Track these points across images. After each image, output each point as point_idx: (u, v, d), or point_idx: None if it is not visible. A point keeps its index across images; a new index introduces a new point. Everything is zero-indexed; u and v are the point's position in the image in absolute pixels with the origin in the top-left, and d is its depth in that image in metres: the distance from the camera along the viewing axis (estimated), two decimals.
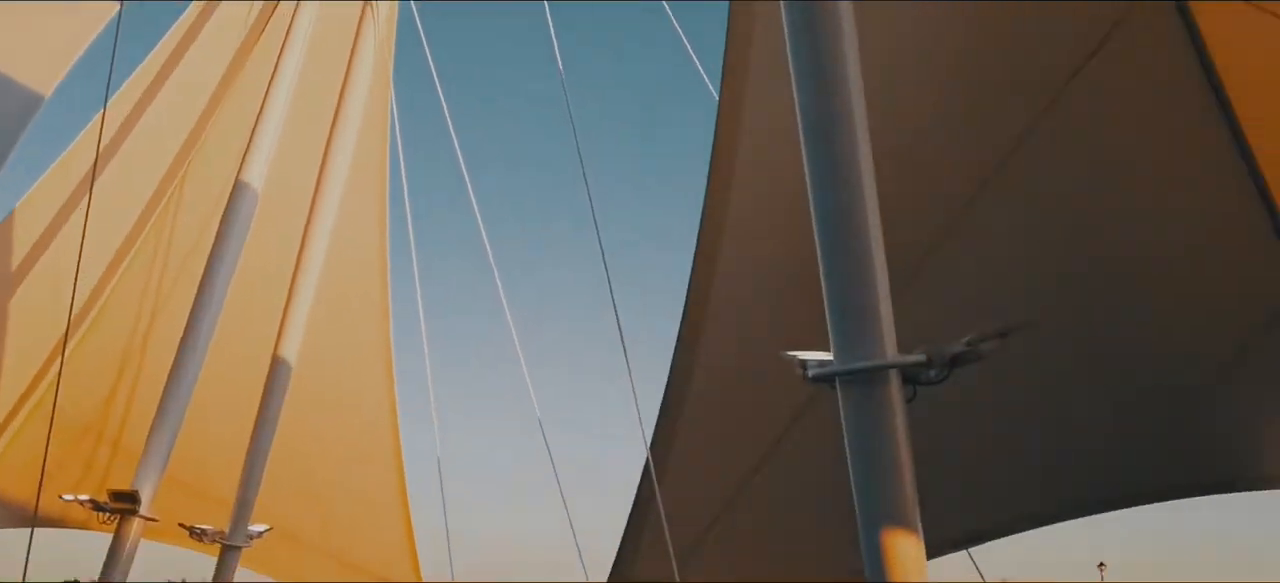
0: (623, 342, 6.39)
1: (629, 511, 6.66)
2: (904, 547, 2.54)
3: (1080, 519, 8.71)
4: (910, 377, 2.69)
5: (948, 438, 6.18)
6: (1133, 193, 5.50)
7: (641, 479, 6.45)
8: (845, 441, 2.64)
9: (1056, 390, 6.66)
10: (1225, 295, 6.20)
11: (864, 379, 2.65)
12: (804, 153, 2.70)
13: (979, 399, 6.08)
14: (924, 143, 4.84)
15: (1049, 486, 7.95)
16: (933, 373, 2.70)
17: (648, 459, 6.11)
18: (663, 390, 6.10)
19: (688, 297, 5.70)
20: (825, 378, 2.69)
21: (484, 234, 12.22)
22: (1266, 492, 8.85)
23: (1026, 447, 7.25)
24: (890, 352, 2.64)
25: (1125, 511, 8.61)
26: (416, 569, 17.96)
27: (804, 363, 2.80)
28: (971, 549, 8.69)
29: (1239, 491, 8.81)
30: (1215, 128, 5.07)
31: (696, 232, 5.40)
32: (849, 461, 2.62)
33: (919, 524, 2.56)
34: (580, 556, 9.52)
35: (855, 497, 2.59)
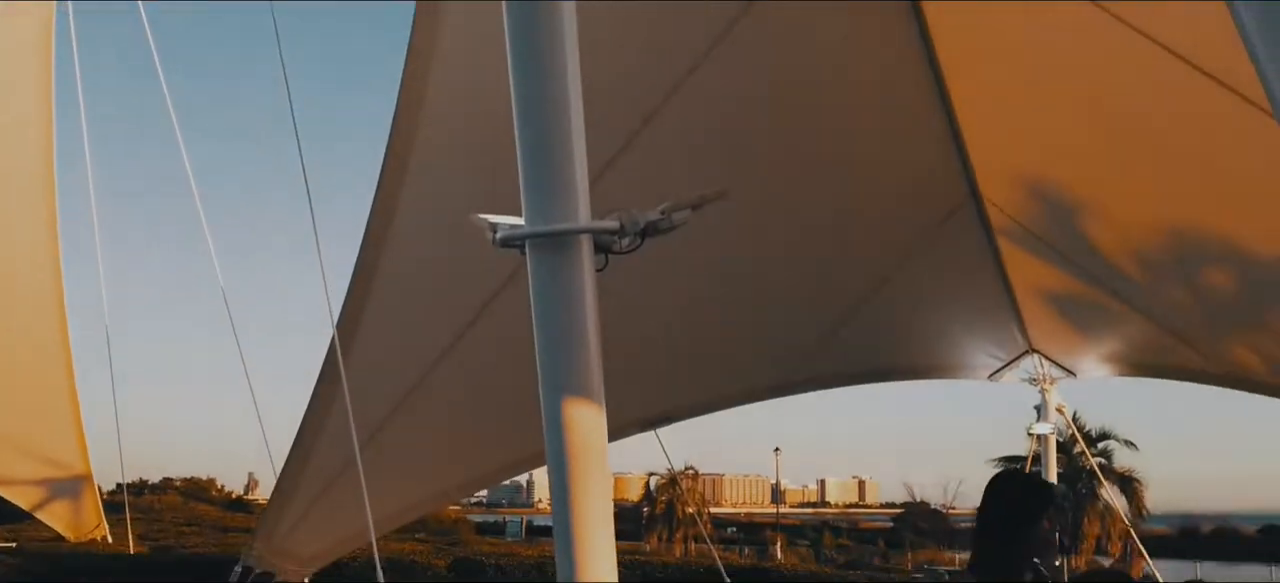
0: (311, 209, 5.98)
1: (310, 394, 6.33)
2: (585, 418, 2.46)
3: (761, 403, 9.27)
4: (602, 245, 2.59)
5: (638, 315, 6.26)
6: (827, 89, 5.70)
7: (326, 359, 6.12)
8: (531, 308, 2.51)
9: (742, 278, 6.91)
10: (901, 196, 6.62)
11: (553, 244, 2.51)
12: (504, 14, 2.49)
13: (671, 278, 6.20)
14: (636, 17, 4.74)
15: (731, 369, 8.32)
16: (625, 241, 2.60)
17: (333, 337, 5.78)
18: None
19: (383, 167, 5.37)
20: (514, 242, 2.53)
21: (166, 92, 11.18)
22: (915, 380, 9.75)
23: (710, 331, 7.51)
24: (583, 217, 2.52)
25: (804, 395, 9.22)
26: (84, 457, 16.71)
27: (494, 226, 2.63)
28: (659, 431, 9.01)
29: (894, 380, 9.66)
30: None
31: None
32: (535, 329, 2.50)
33: (602, 397, 2.49)
34: (266, 442, 9.06)
35: (538, 366, 2.47)
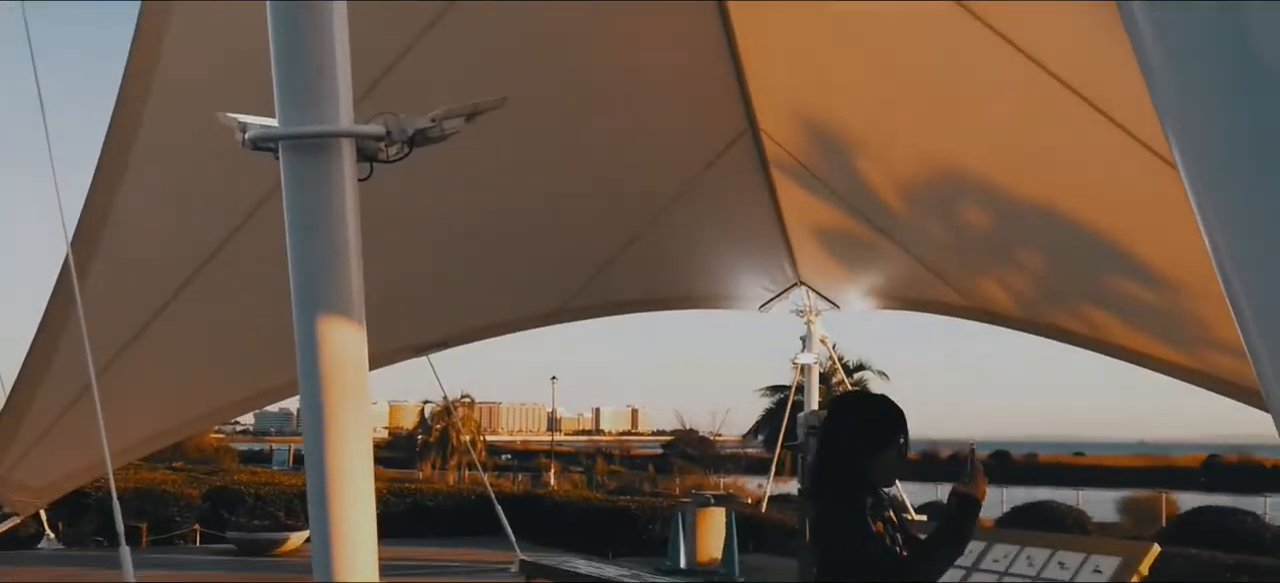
0: (42, 110, 5.35)
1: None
2: (343, 338, 2.26)
3: (538, 331, 9.19)
4: (366, 152, 2.37)
5: (412, 235, 6.00)
6: (608, 15, 5.57)
7: (60, 277, 5.54)
8: (285, 219, 2.27)
9: (519, 203, 6.74)
10: (679, 127, 6.59)
11: (310, 148, 2.28)
12: None
13: (447, 199, 5.96)
14: None
15: (507, 296, 8.17)
16: (392, 149, 2.40)
17: (67, 255, 5.20)
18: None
19: (128, 66, 4.83)
20: (266, 144, 2.28)
21: None
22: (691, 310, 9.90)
23: (485, 256, 7.32)
24: (344, 120, 2.29)
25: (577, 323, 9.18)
26: None
27: (243, 126, 2.36)
28: (432, 357, 8.76)
29: (670, 309, 9.78)
30: None
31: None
32: (288, 241, 2.27)
33: (362, 316, 2.29)
34: None
35: (292, 281, 2.24)
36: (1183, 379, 5.59)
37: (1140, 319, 5.49)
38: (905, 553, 3.03)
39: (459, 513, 18.14)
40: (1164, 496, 27.55)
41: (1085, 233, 5.09)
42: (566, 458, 57.70)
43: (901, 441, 3.09)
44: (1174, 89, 1.15)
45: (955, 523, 2.98)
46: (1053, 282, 6.15)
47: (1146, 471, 52.86)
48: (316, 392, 2.26)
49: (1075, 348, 6.42)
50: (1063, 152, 4.68)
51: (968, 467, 2.98)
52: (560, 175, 6.56)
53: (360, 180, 2.39)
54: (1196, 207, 1.11)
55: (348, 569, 2.28)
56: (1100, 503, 27.19)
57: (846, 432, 3.14)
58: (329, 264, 2.27)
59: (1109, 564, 6.42)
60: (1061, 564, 6.67)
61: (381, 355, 8.02)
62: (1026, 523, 18.24)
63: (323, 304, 2.28)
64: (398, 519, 17.62)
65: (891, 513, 3.11)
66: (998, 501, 28.20)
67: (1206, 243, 1.10)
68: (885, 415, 3.14)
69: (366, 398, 2.33)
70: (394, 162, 2.42)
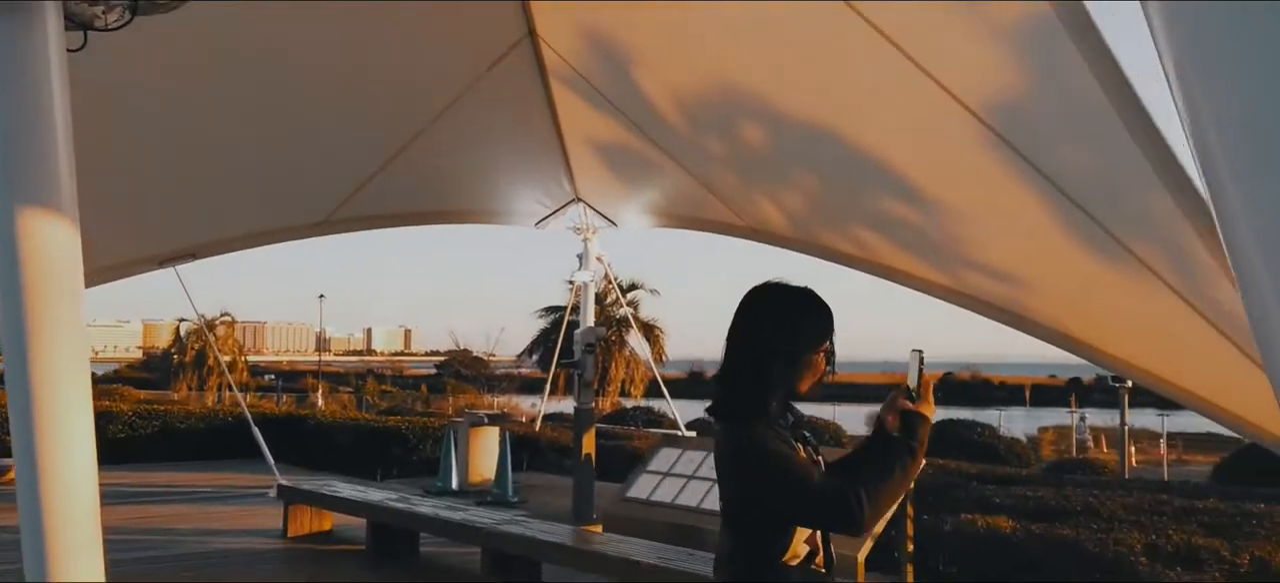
0: None
1: None
2: (52, 233, 1.93)
3: (305, 244, 8.69)
4: (78, 17, 2.03)
5: (153, 130, 5.46)
6: None
7: None
8: None
9: (281, 104, 6.26)
10: (455, 31, 6.27)
11: (8, 10, 1.92)
12: None
13: (198, 95, 5.43)
14: None
15: (268, 205, 7.64)
16: (110, 16, 2.06)
17: None
18: None
19: None
20: None
21: None
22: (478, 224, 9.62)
23: (243, 160, 6.79)
24: None
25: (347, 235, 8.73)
26: None
27: None
28: (178, 268, 8.12)
29: (444, 224, 9.47)
30: None
31: None
32: None
33: (74, 210, 1.96)
34: None
35: None
36: (943, 298, 5.85)
37: (905, 239, 5.68)
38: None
39: (215, 436, 17.20)
40: None
41: (857, 154, 5.18)
42: (336, 379, 56.15)
43: (830, 346, 2.46)
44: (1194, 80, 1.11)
45: (903, 446, 2.33)
46: (825, 202, 6.27)
47: (891, 386, 56.62)
48: (17, 293, 1.93)
49: (843, 268, 6.60)
50: (838, 72, 4.71)
51: (914, 379, 2.42)
52: (324, 76, 6.12)
53: (73, 51, 2.05)
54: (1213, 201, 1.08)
55: (61, 503, 1.98)
56: (854, 417, 28.92)
57: (768, 326, 2.42)
58: (30, 141, 1.93)
59: None
60: None
61: (121, 266, 7.34)
62: None
63: (26, 194, 1.94)
64: (144, 443, 16.59)
65: (809, 437, 2.50)
66: None
67: (1221, 239, 1.08)
68: (815, 307, 2.45)
69: (79, 302, 2.01)
70: (114, 29, 2.08)
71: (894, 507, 2.18)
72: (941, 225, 5.32)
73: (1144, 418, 29.15)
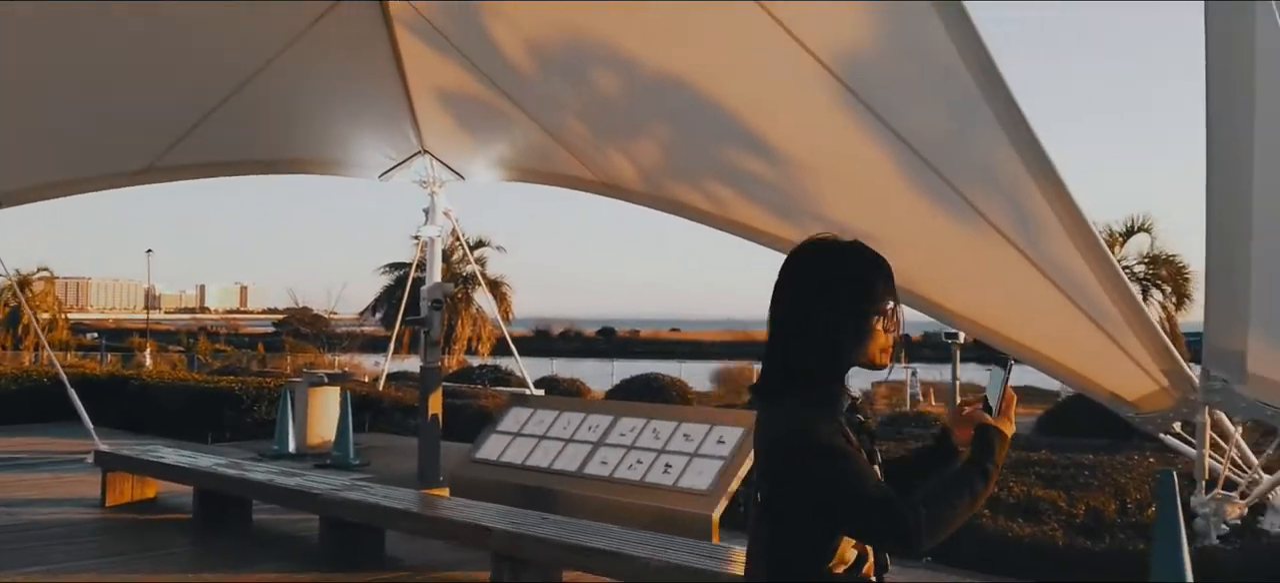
0: None
1: None
2: None
3: (131, 194, 8.15)
4: None
5: None
6: None
7: None
8: None
9: (98, 42, 5.79)
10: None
11: None
12: None
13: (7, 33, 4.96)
14: None
15: (87, 150, 7.11)
16: None
17: None
18: None
19: None
20: None
21: None
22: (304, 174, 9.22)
23: (59, 101, 6.28)
24: None
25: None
26: None
27: None
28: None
29: (281, 173, 9.03)
30: None
31: None
32: None
33: None
34: None
35: None
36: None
37: (757, 194, 5.66)
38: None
39: (30, 398, 16.11)
40: (752, 366, 30.19)
41: (711, 106, 5.11)
42: (166, 337, 53.64)
43: (894, 305, 2.05)
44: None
45: (979, 466, 1.99)
46: (678, 156, 6.20)
47: (734, 344, 57.90)
48: None
49: (689, 224, 6.55)
50: (694, 19, 4.62)
51: (997, 394, 2.09)
52: (147, 15, 5.67)
53: None
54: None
55: None
56: (697, 374, 29.37)
57: (812, 291, 2.02)
58: None
59: (732, 435, 6.72)
60: (686, 436, 6.92)
61: None
62: (636, 394, 19.21)
63: None
64: None
65: (865, 425, 2.10)
66: (609, 372, 29.74)
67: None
68: (868, 264, 2.05)
69: None
70: None
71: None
72: (794, 180, 5.32)
73: (969, 372, 30.62)
